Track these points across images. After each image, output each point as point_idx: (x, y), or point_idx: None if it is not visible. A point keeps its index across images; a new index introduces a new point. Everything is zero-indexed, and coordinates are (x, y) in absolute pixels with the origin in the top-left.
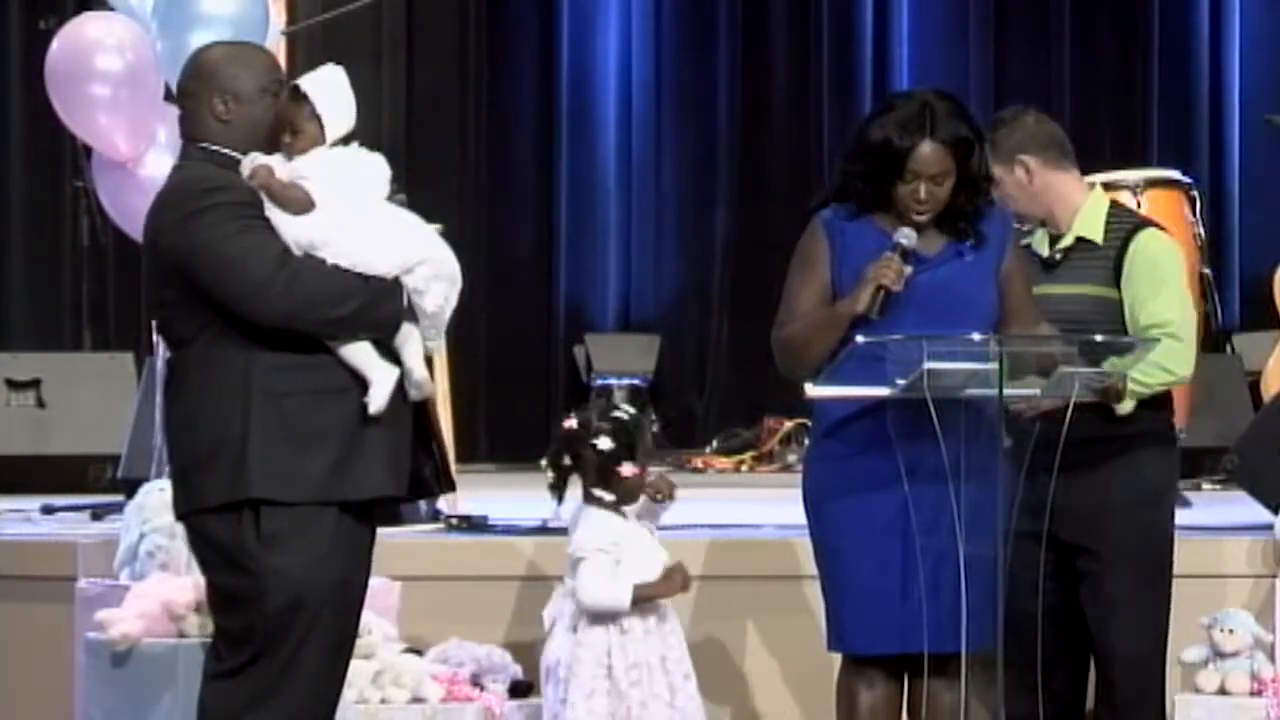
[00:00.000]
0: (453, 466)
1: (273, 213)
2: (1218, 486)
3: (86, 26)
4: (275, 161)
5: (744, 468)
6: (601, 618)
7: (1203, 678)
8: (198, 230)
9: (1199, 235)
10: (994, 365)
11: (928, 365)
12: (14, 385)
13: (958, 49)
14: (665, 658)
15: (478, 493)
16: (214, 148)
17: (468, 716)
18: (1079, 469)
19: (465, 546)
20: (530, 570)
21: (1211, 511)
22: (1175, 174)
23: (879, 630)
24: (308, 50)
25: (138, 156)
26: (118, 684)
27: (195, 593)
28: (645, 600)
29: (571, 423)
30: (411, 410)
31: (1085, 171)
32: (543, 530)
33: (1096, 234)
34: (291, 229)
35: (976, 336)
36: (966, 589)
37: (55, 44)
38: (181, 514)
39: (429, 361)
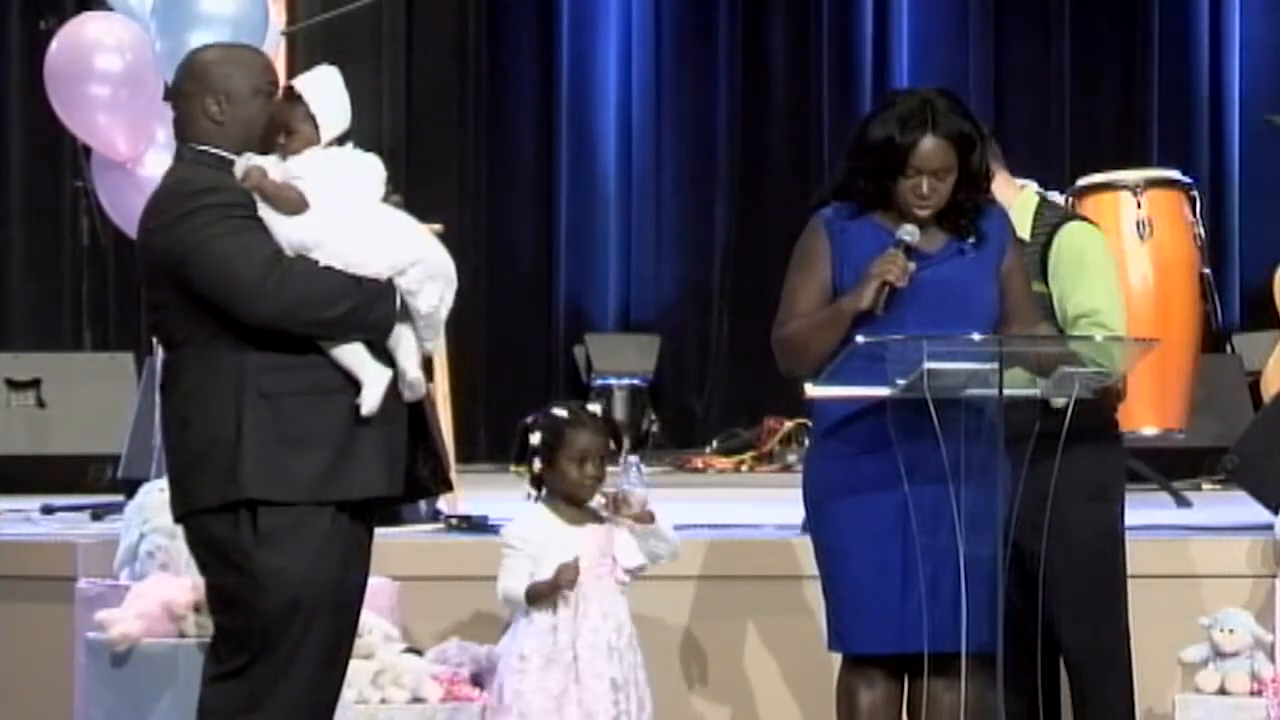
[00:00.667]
0: (452, 467)
1: (266, 213)
2: (1218, 486)
3: (86, 27)
4: (269, 162)
5: (744, 468)
6: (525, 611)
7: (1203, 678)
8: (189, 231)
9: (1199, 235)
10: (994, 365)
11: (928, 365)
12: (14, 385)
13: (958, 49)
14: (576, 654)
15: (478, 493)
16: (207, 149)
17: (468, 716)
18: (1021, 467)
19: (465, 546)
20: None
21: (1211, 511)
22: (1175, 174)
23: (879, 630)
24: (308, 50)
25: (137, 156)
26: (118, 684)
27: (195, 593)
28: (539, 596)
29: (538, 427)
30: (407, 411)
31: (1085, 171)
32: None
33: (1024, 231)
34: (285, 230)
35: (976, 336)
36: (966, 589)
37: (55, 44)
38: (179, 515)
39: (427, 362)
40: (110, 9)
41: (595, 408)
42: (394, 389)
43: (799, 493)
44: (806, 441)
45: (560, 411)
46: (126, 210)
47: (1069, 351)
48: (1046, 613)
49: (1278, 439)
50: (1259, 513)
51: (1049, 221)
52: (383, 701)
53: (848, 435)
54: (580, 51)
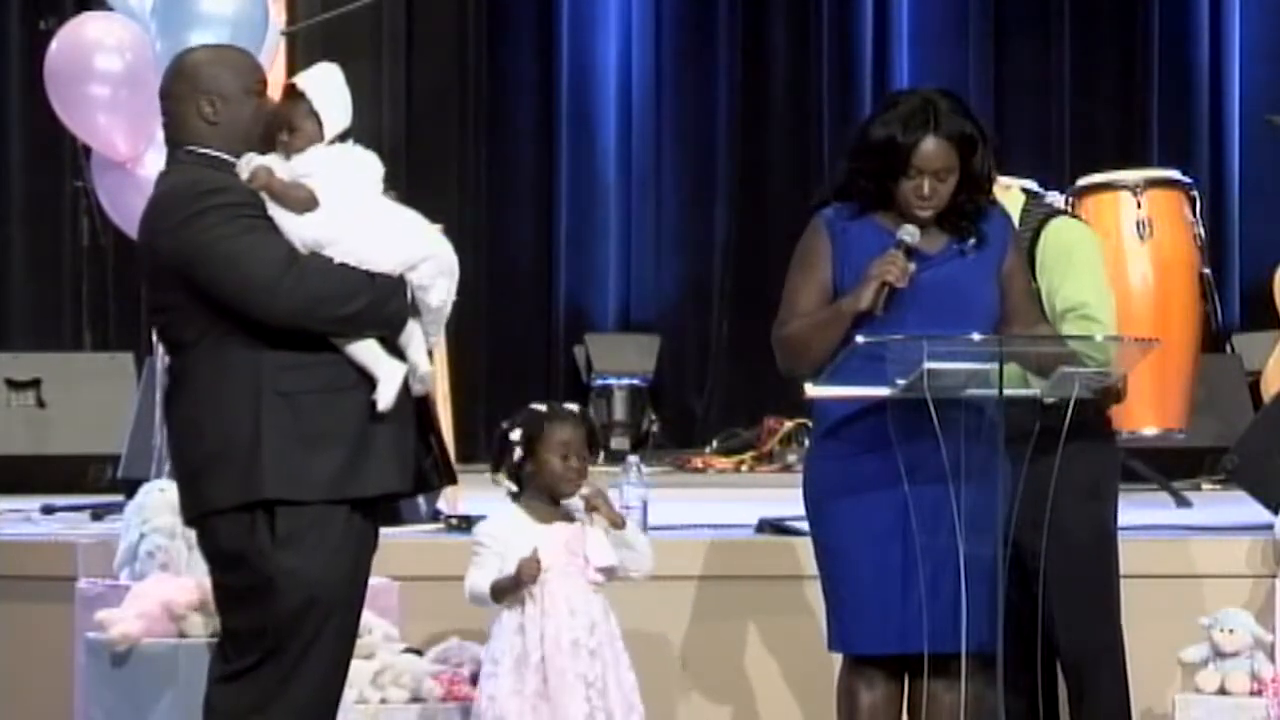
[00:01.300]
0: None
1: (276, 212)
2: (1218, 486)
3: (86, 27)
4: (273, 161)
5: (744, 468)
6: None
7: (1203, 678)
8: (199, 232)
9: (1199, 235)
10: (994, 365)
11: (928, 365)
12: (14, 385)
13: (958, 49)
14: (545, 654)
15: (478, 492)
16: (203, 150)
17: (468, 716)
18: (1015, 464)
19: (465, 546)
20: None
21: (1211, 511)
22: (1175, 174)
23: (879, 630)
24: (308, 50)
25: (137, 156)
26: (118, 684)
27: (196, 593)
28: (502, 592)
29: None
30: (413, 405)
31: (1085, 171)
32: None
33: None
34: (296, 228)
35: (976, 336)
36: (966, 589)
37: (55, 44)
38: (191, 518)
39: (429, 356)
40: (110, 9)
41: (573, 406)
42: (404, 385)
43: (799, 493)
44: (806, 441)
45: (539, 407)
46: (126, 210)
47: (1069, 351)
48: (1041, 611)
49: (1278, 439)
50: (1259, 513)
51: (1035, 217)
52: (383, 701)
53: (848, 435)
54: (580, 51)
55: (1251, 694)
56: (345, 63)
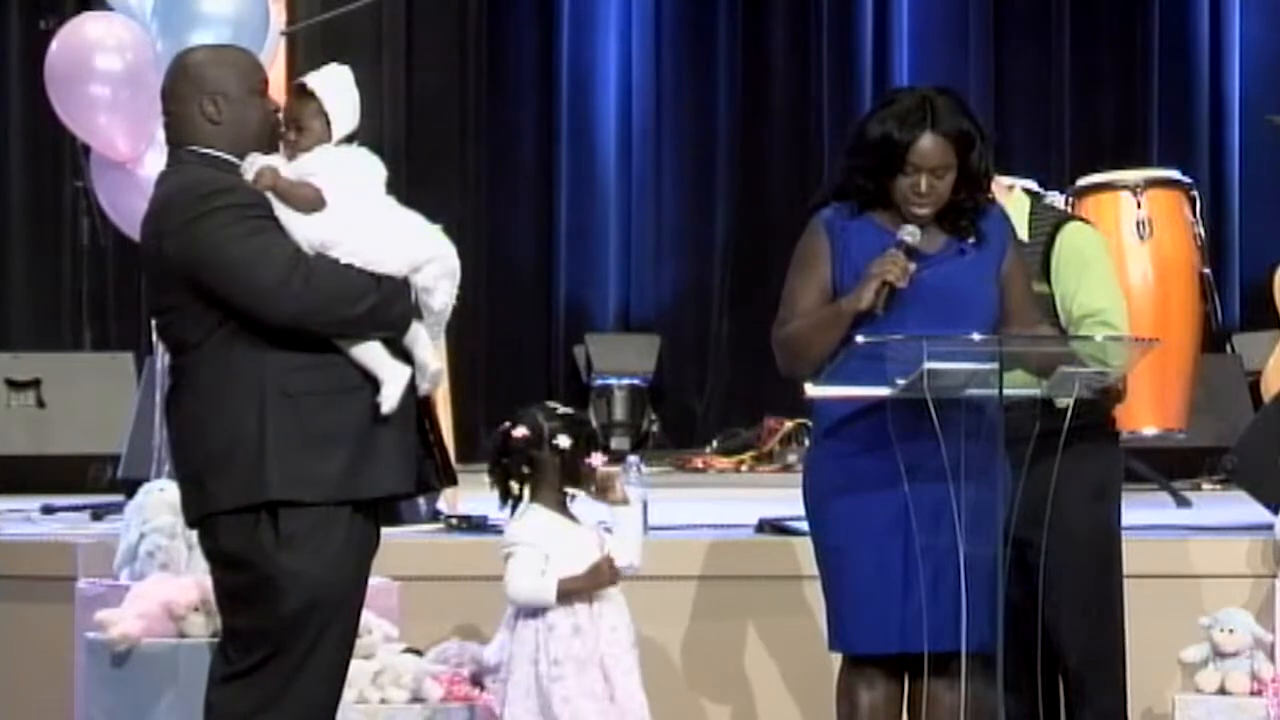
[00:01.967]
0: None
1: (282, 213)
2: (1218, 486)
3: (86, 26)
4: (277, 162)
5: (744, 468)
6: (531, 614)
7: (1203, 678)
8: (206, 233)
9: (1199, 235)
10: (994, 365)
11: (928, 365)
12: (14, 385)
13: (958, 49)
14: (602, 654)
15: (478, 493)
16: (207, 151)
17: (468, 716)
18: (1019, 465)
19: (465, 546)
20: None
21: (1211, 511)
22: (1175, 174)
23: (879, 630)
24: (308, 50)
25: (137, 157)
26: (118, 684)
27: (196, 593)
28: (571, 593)
29: (521, 430)
30: (415, 406)
31: (1085, 171)
32: None
33: (1022, 232)
34: (302, 228)
35: (976, 336)
36: (966, 589)
37: (55, 44)
38: (194, 519)
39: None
40: (110, 9)
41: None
42: (410, 385)
43: (799, 493)
44: (806, 441)
45: (569, 410)
46: (126, 210)
47: (1069, 351)
48: (1043, 610)
49: (1278, 439)
50: (1259, 513)
51: (1048, 222)
52: (383, 701)
53: (848, 435)
54: (580, 51)
55: (1251, 694)
56: (345, 63)
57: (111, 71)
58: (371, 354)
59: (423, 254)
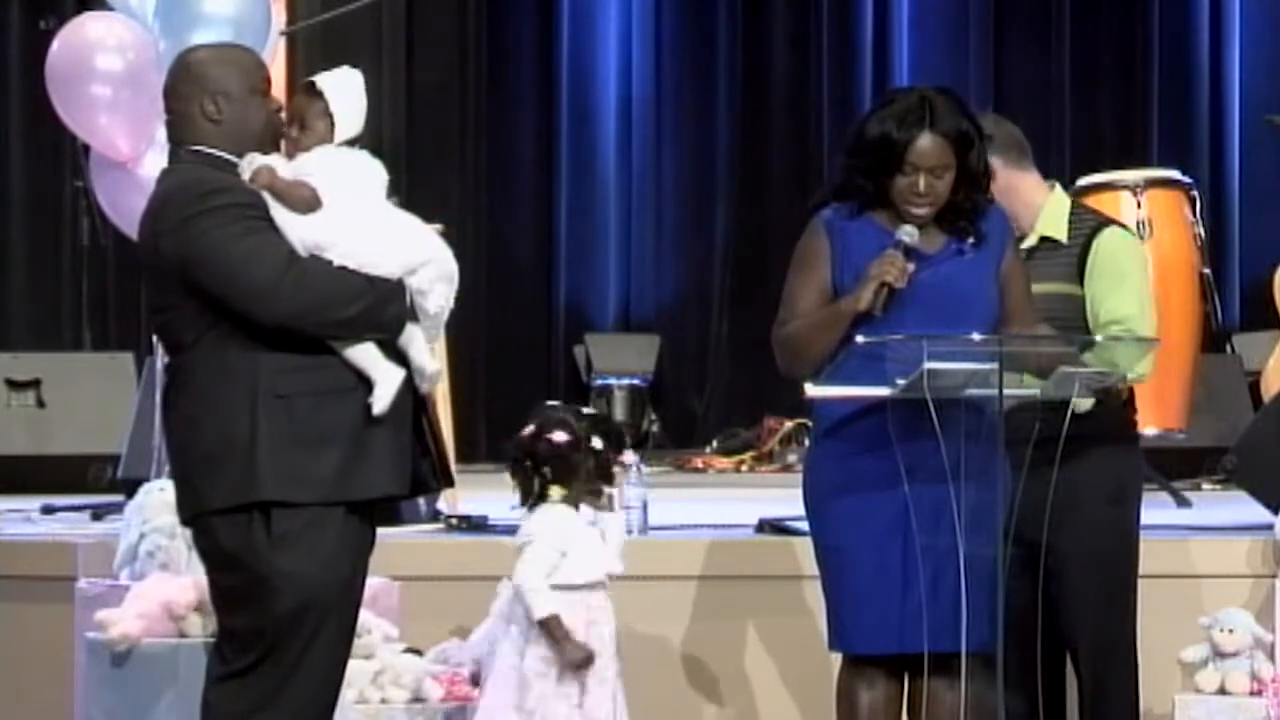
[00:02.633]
0: (452, 464)
1: (279, 213)
2: (1218, 486)
3: (87, 26)
4: (276, 161)
5: (744, 468)
6: (519, 616)
7: (1203, 678)
8: (201, 233)
9: (1199, 235)
10: (994, 365)
11: (928, 365)
12: (14, 385)
13: (958, 49)
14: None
15: (478, 493)
16: (207, 150)
17: (468, 716)
18: (1040, 467)
19: (465, 546)
20: None
21: (1211, 511)
22: (1175, 174)
23: (879, 630)
24: (308, 50)
25: (138, 157)
26: (118, 684)
27: (195, 593)
28: (551, 637)
29: (561, 435)
30: (412, 408)
31: (1085, 171)
32: None
33: (1060, 233)
34: (297, 229)
35: (976, 336)
36: (966, 589)
37: (56, 44)
38: (187, 518)
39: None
40: (110, 9)
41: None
42: (404, 387)
43: (799, 493)
44: (806, 441)
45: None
46: (126, 210)
47: (1069, 351)
48: (1059, 612)
49: (1278, 439)
50: (1259, 513)
51: (1086, 224)
52: (383, 701)
53: (848, 435)
54: (580, 52)
55: (1251, 694)
56: (345, 63)
57: (112, 71)
58: (365, 355)
59: (418, 256)
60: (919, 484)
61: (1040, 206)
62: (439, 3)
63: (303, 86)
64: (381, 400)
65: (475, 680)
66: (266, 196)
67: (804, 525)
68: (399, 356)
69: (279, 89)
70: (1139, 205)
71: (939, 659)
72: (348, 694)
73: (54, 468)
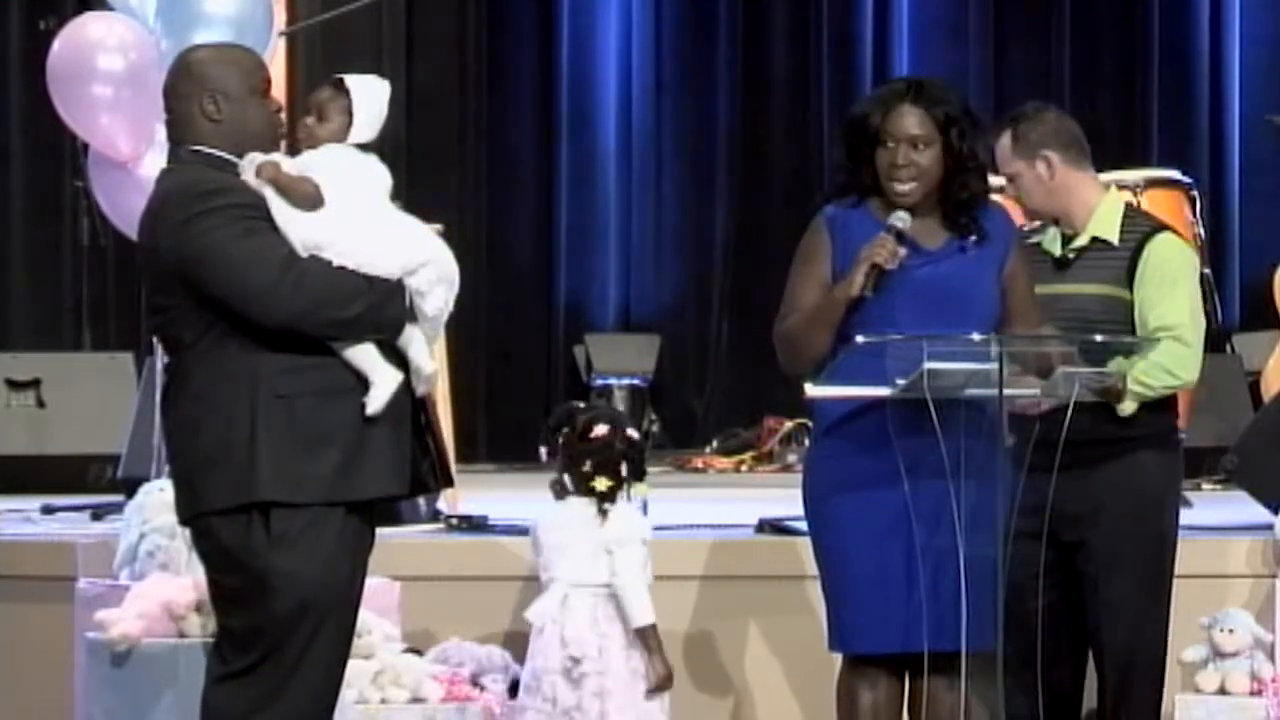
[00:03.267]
0: (452, 464)
1: (279, 211)
2: (1218, 486)
3: (88, 26)
4: (278, 159)
5: (744, 468)
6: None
7: (1203, 678)
8: (201, 233)
9: (1199, 235)
10: (994, 365)
11: (928, 365)
12: (14, 385)
13: (958, 49)
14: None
15: (478, 493)
16: (206, 150)
17: (468, 716)
18: (1081, 469)
19: (465, 546)
20: (530, 570)
21: (1211, 511)
22: (1175, 174)
23: (880, 630)
24: (308, 50)
25: (138, 157)
26: (118, 684)
27: (195, 593)
28: (645, 646)
29: (604, 429)
30: (411, 408)
31: None
32: None
33: (1113, 235)
34: (297, 227)
35: (976, 336)
36: (967, 588)
37: (57, 44)
38: (186, 518)
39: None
40: (110, 9)
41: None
42: (402, 388)
43: (799, 493)
44: (806, 441)
45: (599, 405)
46: (125, 210)
47: (1069, 352)
48: (1088, 613)
49: (1278, 439)
50: (1259, 513)
51: (1139, 228)
52: (383, 701)
53: (848, 434)
54: (580, 51)
55: (1251, 694)
56: (345, 63)
57: (113, 71)
58: (365, 356)
59: (417, 257)
60: (919, 484)
61: (1094, 206)
62: (439, 3)
63: (331, 80)
64: (375, 402)
65: (475, 680)
66: (267, 193)
67: (804, 525)
68: (398, 357)
69: (279, 89)
70: (1139, 205)
71: (939, 659)
72: (348, 694)
73: (54, 468)
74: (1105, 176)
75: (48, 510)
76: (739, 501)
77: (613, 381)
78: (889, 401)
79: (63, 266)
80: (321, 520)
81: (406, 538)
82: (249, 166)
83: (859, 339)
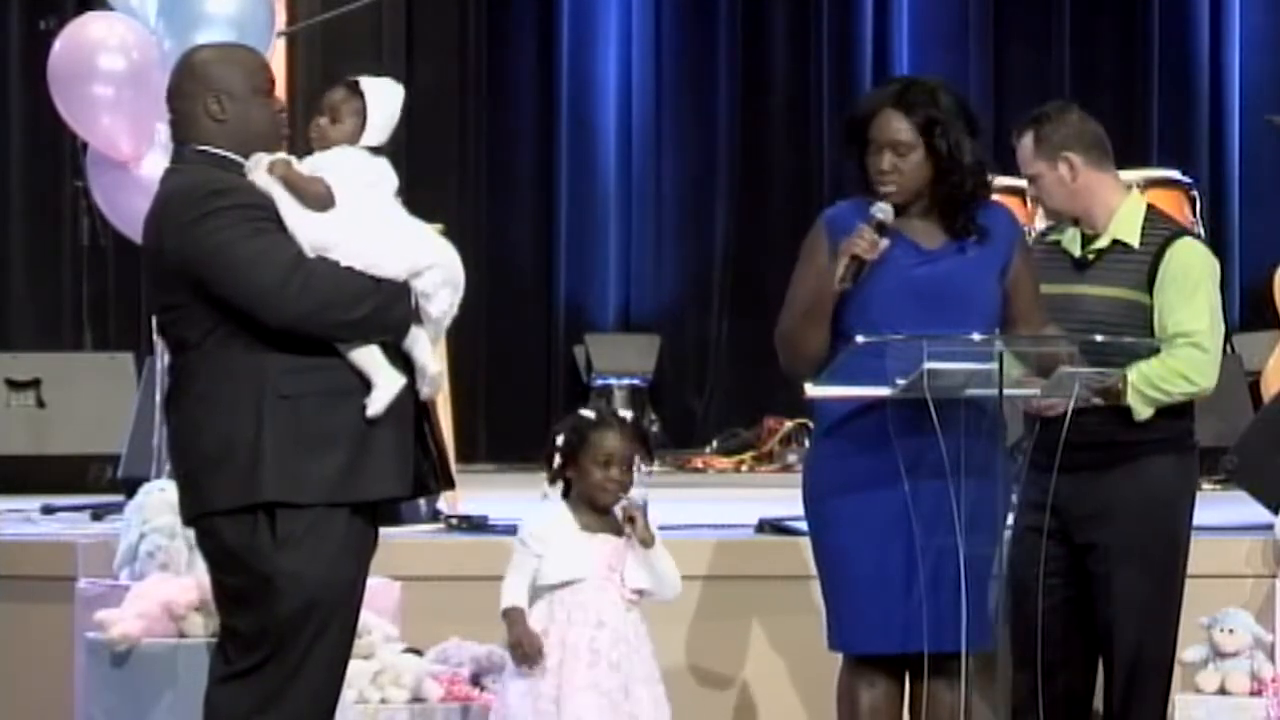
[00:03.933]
0: (452, 465)
1: (287, 211)
2: (1218, 486)
3: (89, 26)
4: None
5: (744, 468)
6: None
7: (1203, 678)
8: (208, 233)
9: (1199, 235)
10: (994, 365)
11: (928, 365)
12: (14, 385)
13: (958, 49)
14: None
15: (478, 493)
16: (211, 150)
17: (468, 716)
18: (1095, 471)
19: (465, 546)
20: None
21: (1211, 511)
22: (1175, 174)
23: (880, 630)
24: (307, 50)
25: (139, 157)
26: (118, 684)
27: (196, 593)
28: (511, 625)
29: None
30: (414, 409)
31: None
32: None
33: (1133, 238)
34: (305, 228)
35: (977, 336)
36: (967, 588)
37: (58, 44)
38: (190, 518)
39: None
40: (111, 8)
41: (627, 414)
42: (406, 390)
43: (799, 493)
44: (806, 441)
45: (588, 413)
46: (125, 210)
47: (1069, 352)
48: (1098, 614)
49: (1278, 439)
50: (1259, 513)
51: (1160, 232)
52: (383, 701)
53: (848, 434)
54: (580, 52)
55: (1251, 694)
56: (345, 63)
57: (114, 71)
58: (369, 358)
59: (423, 259)
60: (919, 483)
61: (1115, 208)
62: (439, 3)
63: (345, 82)
64: (375, 404)
65: (475, 680)
66: (275, 193)
67: (804, 525)
68: (402, 359)
69: (278, 89)
70: None
71: (939, 658)
72: (348, 694)
73: (54, 468)
74: None
75: (48, 510)
76: (739, 501)
77: (613, 381)
78: (889, 401)
79: (63, 266)
80: (326, 521)
81: (406, 538)
82: (255, 166)
83: (859, 339)
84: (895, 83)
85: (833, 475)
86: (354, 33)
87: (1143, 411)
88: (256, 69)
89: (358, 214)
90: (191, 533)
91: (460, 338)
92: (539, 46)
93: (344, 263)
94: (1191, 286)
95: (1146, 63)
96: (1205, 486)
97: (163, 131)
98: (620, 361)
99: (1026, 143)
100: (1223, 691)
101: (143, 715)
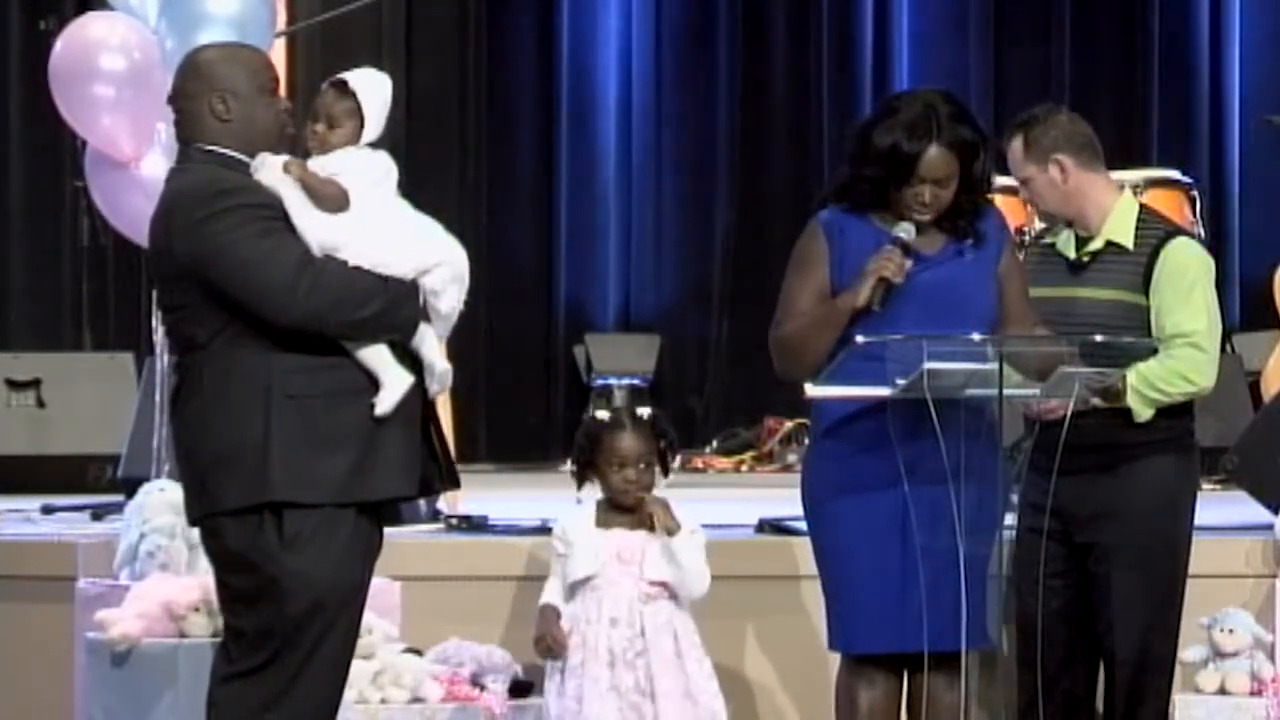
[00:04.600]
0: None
1: (295, 211)
2: (1218, 486)
3: (90, 26)
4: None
5: (744, 468)
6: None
7: (1203, 678)
8: (216, 233)
9: (1199, 235)
10: (994, 365)
11: (927, 365)
12: (14, 385)
13: (958, 49)
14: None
15: (478, 493)
16: (216, 149)
17: (468, 716)
18: (1096, 472)
19: (465, 546)
20: (530, 570)
21: (1211, 511)
22: (1175, 174)
23: (879, 629)
24: (308, 50)
25: (140, 157)
26: (118, 684)
27: (196, 592)
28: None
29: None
30: (421, 408)
31: None
32: (543, 530)
33: (1127, 239)
34: (313, 228)
35: (976, 336)
36: (966, 588)
37: (59, 43)
38: (197, 518)
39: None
40: (111, 8)
41: (645, 411)
42: (414, 389)
43: (799, 493)
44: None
45: (601, 415)
46: (124, 210)
47: (1068, 352)
48: (1100, 615)
49: (1278, 439)
50: (1259, 513)
51: (1154, 232)
52: (383, 701)
53: (847, 435)
54: (580, 51)
55: (1251, 694)
56: (345, 63)
57: (115, 71)
58: (377, 358)
59: (431, 257)
60: (919, 484)
61: (1108, 208)
62: (439, 3)
63: (333, 84)
64: (384, 403)
65: (475, 680)
66: (285, 193)
67: (804, 525)
68: (410, 357)
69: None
70: None
71: (939, 658)
72: (348, 694)
73: (54, 468)
74: None
75: (48, 510)
76: (739, 501)
77: (613, 381)
78: (889, 402)
79: (63, 266)
80: (333, 521)
81: (406, 538)
82: (261, 165)
83: (859, 339)
84: (917, 106)
85: (832, 475)
86: (354, 33)
87: (1143, 412)
88: (261, 68)
89: (364, 213)
90: (192, 532)
91: (461, 337)
92: (539, 46)
93: (352, 262)
94: (1188, 286)
95: (1146, 63)
96: (1205, 486)
97: (163, 131)
98: (620, 361)
99: (1016, 146)
100: (1223, 691)
101: (143, 715)
